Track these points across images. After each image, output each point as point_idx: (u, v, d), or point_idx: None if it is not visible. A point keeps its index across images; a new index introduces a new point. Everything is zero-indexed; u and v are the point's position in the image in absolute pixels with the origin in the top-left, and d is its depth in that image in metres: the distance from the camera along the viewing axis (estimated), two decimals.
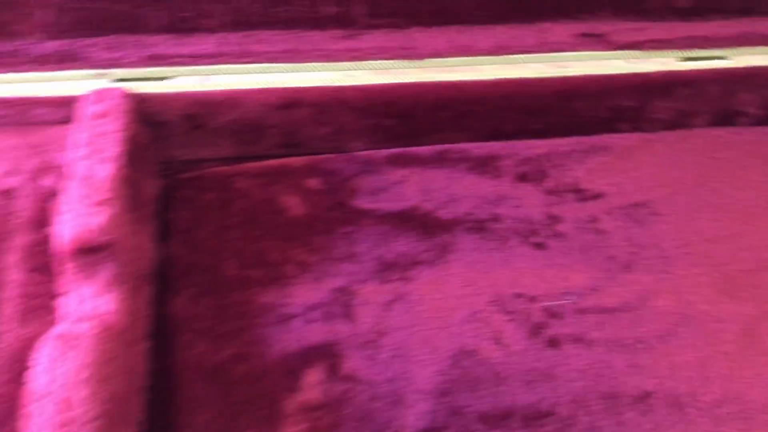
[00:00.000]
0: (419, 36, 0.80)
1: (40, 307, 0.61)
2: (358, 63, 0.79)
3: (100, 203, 0.61)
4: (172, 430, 0.58)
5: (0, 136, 0.73)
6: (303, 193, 0.76)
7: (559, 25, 0.82)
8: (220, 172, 0.77)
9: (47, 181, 0.69)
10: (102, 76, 0.75)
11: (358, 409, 0.60)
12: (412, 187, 0.78)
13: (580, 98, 0.83)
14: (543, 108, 0.83)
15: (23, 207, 0.68)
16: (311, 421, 0.59)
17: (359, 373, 0.62)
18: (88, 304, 0.59)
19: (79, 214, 0.60)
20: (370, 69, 0.79)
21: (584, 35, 0.83)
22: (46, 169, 0.70)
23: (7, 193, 0.68)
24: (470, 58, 0.80)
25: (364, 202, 0.76)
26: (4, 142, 0.72)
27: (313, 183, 0.77)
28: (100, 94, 0.71)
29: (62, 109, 0.74)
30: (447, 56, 0.80)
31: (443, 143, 0.82)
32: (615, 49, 0.83)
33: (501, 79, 0.80)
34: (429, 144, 0.82)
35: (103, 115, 0.69)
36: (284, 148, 0.81)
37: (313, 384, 0.62)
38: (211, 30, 0.76)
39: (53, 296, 0.61)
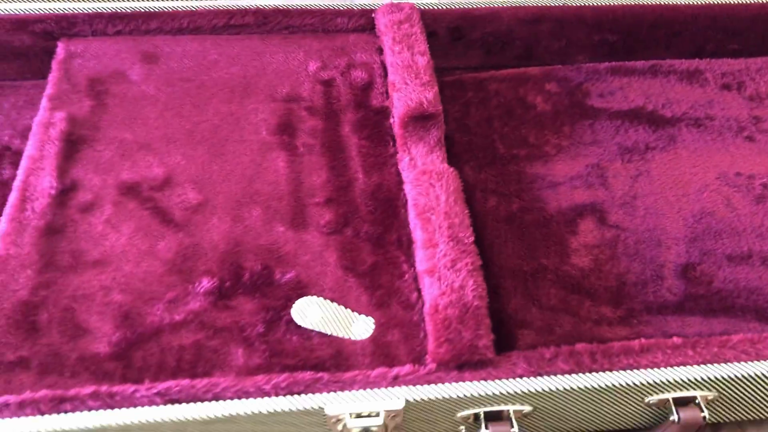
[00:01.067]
0: None
1: (375, 163, 0.78)
2: None
3: (425, 84, 0.78)
4: (488, 256, 0.75)
5: (308, 41, 0.90)
6: (545, 94, 0.92)
7: None
8: (475, 77, 0.94)
9: (356, 74, 0.87)
10: None
11: (628, 248, 0.76)
12: (634, 92, 0.93)
13: None
14: (741, 30, 0.97)
15: (342, 93, 0.85)
16: (593, 255, 0.76)
17: (623, 224, 0.78)
18: (421, 159, 0.76)
19: (412, 91, 0.77)
20: None
21: None
22: (353, 65, 0.88)
23: (328, 83, 0.86)
24: None
25: (596, 102, 0.92)
26: (313, 45, 0.90)
27: (551, 87, 0.93)
28: (395, 6, 0.88)
29: (357, 19, 0.91)
30: None
31: (651, 59, 0.97)
32: None
33: (708, 3, 0.95)
34: (639, 60, 0.97)
35: (403, 22, 0.86)
36: (519, 59, 0.97)
37: (588, 230, 0.78)
38: None
39: (384, 156, 0.79)
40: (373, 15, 0.91)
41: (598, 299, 0.72)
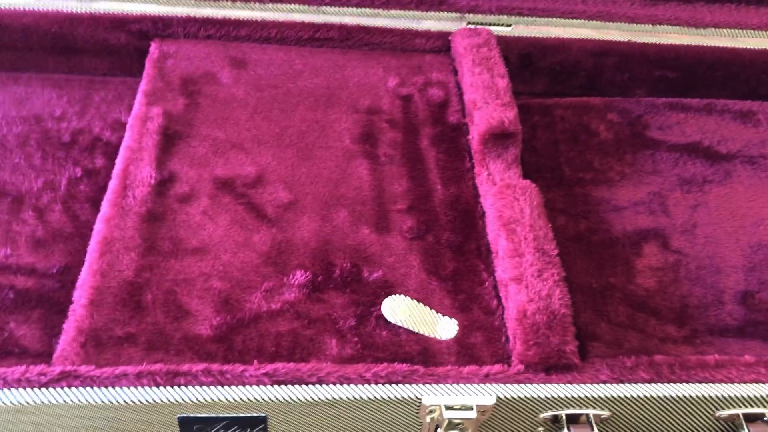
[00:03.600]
0: (704, 9, 1.00)
1: (453, 176, 0.82)
2: (654, 26, 0.99)
3: (506, 104, 0.83)
4: None
5: (387, 58, 0.95)
6: (607, 123, 0.97)
7: None
8: (541, 102, 0.98)
9: (433, 92, 0.91)
10: (461, 19, 0.97)
11: (689, 272, 0.80)
12: (691, 127, 0.98)
13: None
14: None
15: (420, 109, 0.89)
16: (657, 277, 0.79)
17: (685, 249, 0.82)
18: (498, 175, 0.80)
19: (493, 110, 0.82)
20: (663, 32, 0.99)
21: None
22: (430, 83, 0.92)
23: (406, 99, 0.90)
24: (742, 30, 1.00)
25: (656, 134, 0.96)
26: (391, 62, 0.94)
27: (613, 117, 0.98)
28: (473, 31, 0.93)
29: (434, 40, 0.96)
30: (724, 27, 1.00)
31: (707, 98, 1.02)
32: None
33: (762, 49, 1.00)
34: (694, 98, 1.02)
35: (481, 45, 0.91)
36: (583, 89, 1.02)
37: (652, 253, 0.82)
38: None
39: (461, 169, 0.83)
40: (449, 38, 0.96)
41: (662, 318, 0.76)
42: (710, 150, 0.95)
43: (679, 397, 0.62)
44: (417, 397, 0.60)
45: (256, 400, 0.58)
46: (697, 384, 0.63)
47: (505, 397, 0.61)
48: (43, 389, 0.57)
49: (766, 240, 0.85)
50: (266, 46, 0.94)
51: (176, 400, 0.58)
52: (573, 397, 0.61)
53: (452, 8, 0.96)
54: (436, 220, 0.78)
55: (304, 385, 0.59)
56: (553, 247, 0.70)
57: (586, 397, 0.62)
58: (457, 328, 0.68)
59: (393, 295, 0.70)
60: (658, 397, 0.62)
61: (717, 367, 0.64)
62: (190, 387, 0.58)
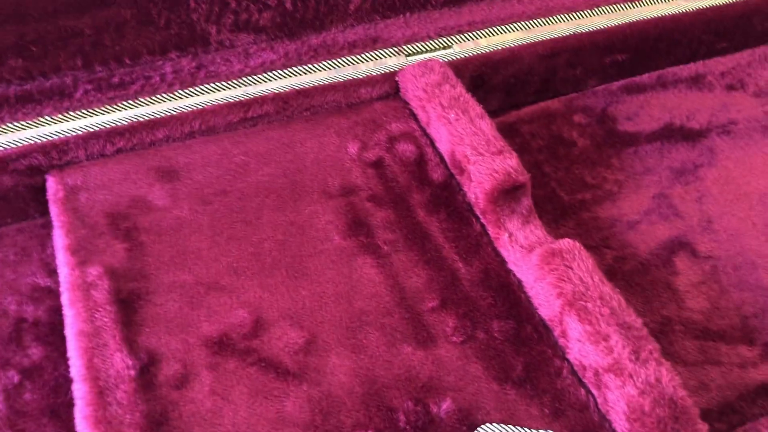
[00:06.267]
0: None
1: (468, 247, 0.71)
2: (594, 9, 0.92)
3: (502, 151, 0.72)
4: None
5: (335, 119, 0.81)
6: (577, 128, 0.89)
7: None
8: (502, 121, 0.89)
9: (402, 148, 0.79)
10: (399, 52, 0.85)
11: (730, 277, 0.75)
12: (655, 108, 0.92)
13: (756, 15, 1.00)
14: (727, 29, 0.99)
15: (398, 173, 0.77)
16: (704, 294, 0.74)
17: (714, 252, 0.77)
18: (520, 234, 0.70)
19: (491, 162, 0.71)
20: (604, 14, 0.92)
21: None
22: (394, 138, 0.80)
23: (377, 164, 0.77)
24: None
25: (628, 126, 0.90)
26: (342, 123, 0.80)
27: (579, 118, 0.91)
28: (425, 66, 0.81)
29: (380, 85, 0.83)
30: None
31: (654, 71, 0.97)
32: None
33: (698, 9, 0.96)
34: (643, 73, 0.97)
35: (441, 83, 0.79)
36: (537, 94, 0.94)
37: (687, 266, 0.76)
38: None
39: (473, 236, 0.72)
40: (396, 78, 0.83)
41: (730, 339, 0.71)
42: (684, 129, 0.90)
43: None
44: None
45: None
46: None
47: None
48: None
49: None
50: (191, 143, 0.77)
51: None
52: None
53: (388, 44, 0.84)
54: (476, 308, 0.67)
55: None
56: (634, 317, 0.61)
57: None
58: None
59: (478, 428, 0.59)
60: None
61: None
62: None
